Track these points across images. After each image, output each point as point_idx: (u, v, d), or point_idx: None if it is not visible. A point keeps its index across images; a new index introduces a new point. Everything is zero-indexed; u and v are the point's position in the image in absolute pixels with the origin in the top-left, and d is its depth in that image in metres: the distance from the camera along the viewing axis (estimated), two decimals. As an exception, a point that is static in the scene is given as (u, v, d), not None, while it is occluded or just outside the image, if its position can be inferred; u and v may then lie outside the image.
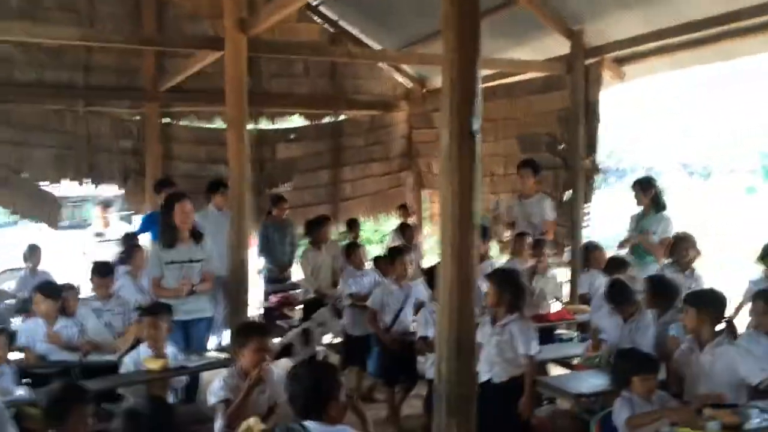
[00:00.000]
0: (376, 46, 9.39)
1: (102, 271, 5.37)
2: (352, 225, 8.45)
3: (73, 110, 8.33)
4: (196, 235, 5.48)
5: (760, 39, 5.94)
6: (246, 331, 3.91)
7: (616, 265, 5.84)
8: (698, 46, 6.41)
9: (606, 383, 4.12)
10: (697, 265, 5.80)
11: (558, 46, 7.41)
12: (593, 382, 4.35)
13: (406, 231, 7.95)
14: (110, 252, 6.90)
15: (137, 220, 8.46)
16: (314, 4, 9.08)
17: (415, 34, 8.56)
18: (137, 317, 5.02)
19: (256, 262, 7.81)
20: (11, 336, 4.95)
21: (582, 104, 7.33)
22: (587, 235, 7.42)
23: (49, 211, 8.30)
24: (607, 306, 4.90)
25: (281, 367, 4.15)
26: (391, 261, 5.96)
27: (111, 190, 8.86)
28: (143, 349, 4.54)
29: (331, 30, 9.41)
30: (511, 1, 7.02)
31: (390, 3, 8.31)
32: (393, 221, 9.94)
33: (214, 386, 3.80)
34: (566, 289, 7.19)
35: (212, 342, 6.95)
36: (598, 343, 4.98)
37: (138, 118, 8.73)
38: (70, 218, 9.96)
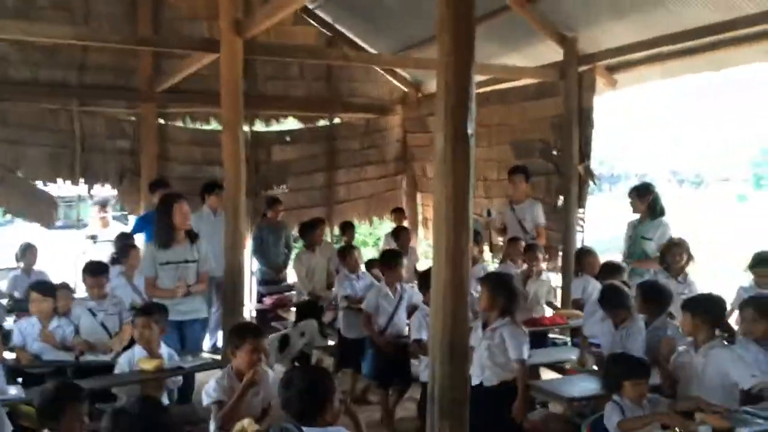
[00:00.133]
0: (372, 50, 9.44)
1: (94, 270, 5.35)
2: (347, 228, 8.48)
3: (68, 109, 8.32)
4: (192, 236, 5.49)
5: (752, 49, 6.00)
6: (240, 333, 3.92)
7: (609, 270, 5.87)
8: (690, 55, 6.48)
9: (598, 387, 4.16)
10: (690, 271, 5.85)
11: (551, 53, 7.47)
12: (585, 386, 4.38)
13: (400, 234, 7.99)
14: (106, 252, 6.90)
15: (132, 221, 8.47)
16: (311, 7, 9.12)
17: (410, 39, 8.61)
18: (132, 317, 5.02)
19: (249, 264, 7.82)
20: (5, 335, 4.97)
21: (575, 111, 7.38)
22: (581, 240, 7.47)
23: (44, 210, 8.28)
24: (600, 311, 4.93)
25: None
26: (385, 264, 5.99)
27: (106, 191, 8.84)
28: (138, 350, 4.55)
29: (327, 33, 9.44)
30: (506, 8, 7.07)
31: (386, 7, 8.35)
32: (387, 225, 9.97)
33: (208, 387, 3.81)
34: (559, 294, 7.24)
35: (207, 343, 6.97)
36: (585, 360, 5.04)
37: (134, 118, 8.74)
38: (65, 218, 9.91)
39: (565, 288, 7.17)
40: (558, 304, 6.94)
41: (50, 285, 5.38)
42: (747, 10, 5.67)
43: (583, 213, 7.60)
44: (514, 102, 8.43)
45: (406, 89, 10.08)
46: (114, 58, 8.42)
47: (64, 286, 5.50)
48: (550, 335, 6.32)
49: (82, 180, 8.42)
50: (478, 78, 4.11)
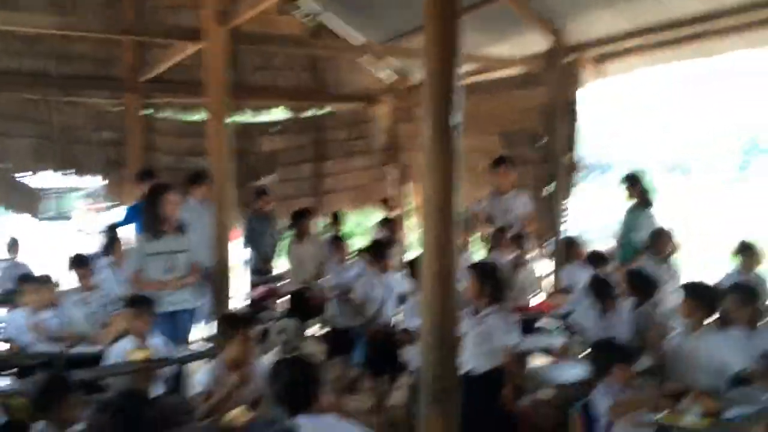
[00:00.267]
0: (360, 40, 9.41)
1: (78, 261, 5.34)
2: (336, 218, 8.48)
3: (50, 100, 8.22)
4: (180, 226, 5.48)
5: (740, 37, 6.04)
6: (233, 323, 3.93)
7: (597, 258, 5.93)
8: (678, 43, 6.51)
9: (586, 373, 4.19)
10: (676, 258, 5.92)
11: (538, 42, 7.48)
12: (574, 372, 4.43)
13: (388, 224, 7.99)
14: (95, 244, 6.87)
15: (120, 212, 8.42)
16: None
17: (398, 29, 8.58)
18: (119, 309, 5.01)
19: (241, 254, 7.82)
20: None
21: (562, 101, 7.41)
22: (568, 229, 7.51)
23: (29, 202, 8.22)
24: (587, 299, 4.98)
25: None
26: (374, 254, 6.01)
27: (93, 182, 8.78)
28: (127, 341, 4.55)
29: (313, 23, 9.39)
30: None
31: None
32: (376, 215, 9.99)
33: (198, 377, 3.82)
34: (547, 282, 7.28)
35: (197, 333, 6.97)
36: (569, 347, 5.10)
37: (118, 109, 8.67)
38: (53, 209, 9.85)
39: (554, 276, 7.21)
40: (545, 292, 6.98)
41: (33, 277, 5.36)
42: (733, 1, 5.70)
43: (571, 202, 7.64)
44: (502, 92, 8.43)
45: (394, 79, 10.07)
46: (97, 48, 8.33)
47: (47, 279, 5.47)
48: (538, 322, 6.35)
49: (67, 171, 8.36)
50: (464, 68, 4.12)
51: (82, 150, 8.42)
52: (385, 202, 9.31)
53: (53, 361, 4.83)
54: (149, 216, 5.40)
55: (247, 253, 8.06)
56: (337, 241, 6.89)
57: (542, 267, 7.24)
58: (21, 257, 6.95)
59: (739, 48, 6.34)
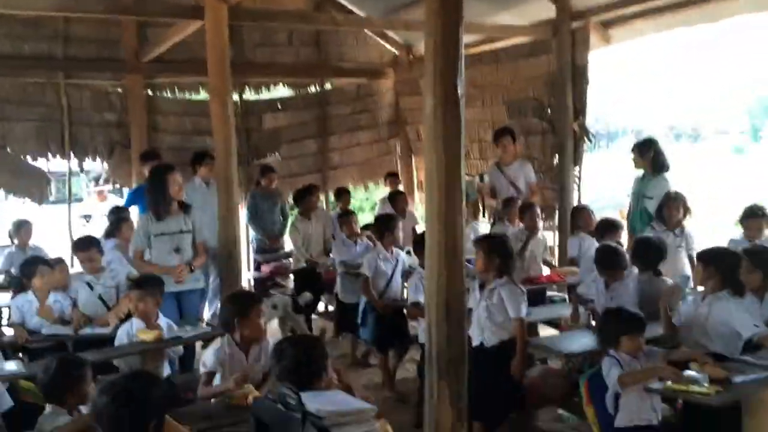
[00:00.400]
0: (361, 13, 9.30)
1: (83, 244, 5.33)
2: (342, 194, 8.46)
3: (54, 83, 8.22)
4: (185, 207, 5.47)
5: (745, 0, 5.93)
6: (245, 301, 3.91)
7: (606, 227, 5.86)
8: (684, 7, 6.42)
9: (594, 343, 4.18)
10: (687, 224, 5.86)
11: (543, 10, 7.36)
12: (583, 341, 4.41)
13: (395, 199, 7.97)
14: (101, 227, 6.88)
15: (125, 194, 8.42)
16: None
17: (397, 2, 8.46)
18: (128, 290, 5.02)
19: (246, 233, 7.82)
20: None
21: (569, 68, 7.31)
22: (577, 198, 7.46)
23: (36, 186, 8.22)
24: (595, 270, 4.96)
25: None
26: (381, 229, 5.99)
27: (97, 164, 8.76)
28: (136, 322, 4.56)
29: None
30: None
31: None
32: (383, 189, 9.95)
33: (205, 357, 3.83)
34: (556, 252, 7.26)
35: (207, 312, 7.00)
36: (577, 317, 5.10)
37: (120, 90, 8.64)
38: (58, 193, 9.83)
39: (562, 246, 7.19)
40: (555, 262, 6.96)
41: (45, 260, 5.37)
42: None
43: (579, 171, 7.58)
44: (507, 61, 8.34)
45: (397, 52, 9.96)
46: (98, 29, 8.30)
47: (60, 261, 5.48)
48: (548, 293, 6.35)
49: (71, 154, 8.36)
50: (468, 38, 4.06)
51: (85, 132, 8.41)
52: (392, 177, 9.27)
53: (63, 344, 4.86)
54: (153, 197, 5.38)
55: (250, 231, 8.07)
56: (345, 217, 6.87)
57: (550, 237, 7.20)
58: (29, 241, 6.95)
59: (745, 11, 6.23)
